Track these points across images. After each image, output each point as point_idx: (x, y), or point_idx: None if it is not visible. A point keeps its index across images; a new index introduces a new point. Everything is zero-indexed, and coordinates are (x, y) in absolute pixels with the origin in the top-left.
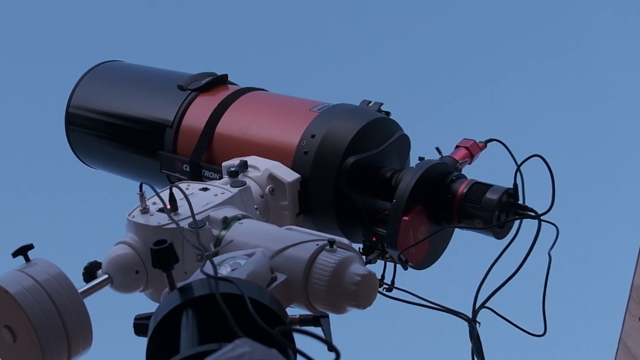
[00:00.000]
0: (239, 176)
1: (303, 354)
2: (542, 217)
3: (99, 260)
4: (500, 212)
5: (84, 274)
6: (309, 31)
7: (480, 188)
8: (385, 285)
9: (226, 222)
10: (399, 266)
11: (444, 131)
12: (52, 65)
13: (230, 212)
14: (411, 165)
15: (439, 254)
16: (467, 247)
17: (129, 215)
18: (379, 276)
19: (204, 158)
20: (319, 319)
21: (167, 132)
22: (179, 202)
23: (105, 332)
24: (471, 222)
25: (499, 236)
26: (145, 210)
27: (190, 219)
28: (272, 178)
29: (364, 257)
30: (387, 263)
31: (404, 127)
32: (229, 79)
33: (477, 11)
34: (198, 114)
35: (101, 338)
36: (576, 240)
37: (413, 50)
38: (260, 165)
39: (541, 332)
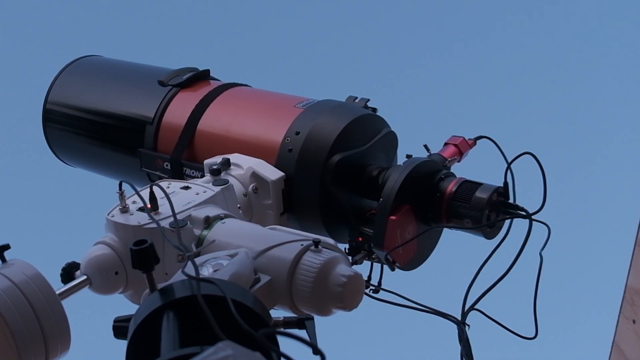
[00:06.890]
0: (222, 174)
1: (287, 357)
2: (533, 217)
3: (77, 261)
4: (490, 211)
5: (61, 275)
6: (294, 26)
7: (469, 187)
8: (371, 287)
9: (208, 222)
10: (386, 267)
11: (432, 128)
12: (29, 60)
13: (212, 211)
14: (398, 163)
15: (427, 255)
16: (456, 247)
17: (108, 214)
18: (365, 277)
19: (185, 156)
20: (303, 321)
21: (147, 129)
22: (159, 201)
23: (84, 334)
24: (460, 222)
25: (489, 236)
26: (124, 210)
27: (171, 219)
28: (255, 176)
29: (349, 257)
30: (374, 264)
31: (391, 124)
32: (211, 75)
33: (465, 7)
34: (179, 110)
35: (79, 341)
36: (568, 241)
37: (401, 46)
38: (243, 163)
39: (532, 335)
